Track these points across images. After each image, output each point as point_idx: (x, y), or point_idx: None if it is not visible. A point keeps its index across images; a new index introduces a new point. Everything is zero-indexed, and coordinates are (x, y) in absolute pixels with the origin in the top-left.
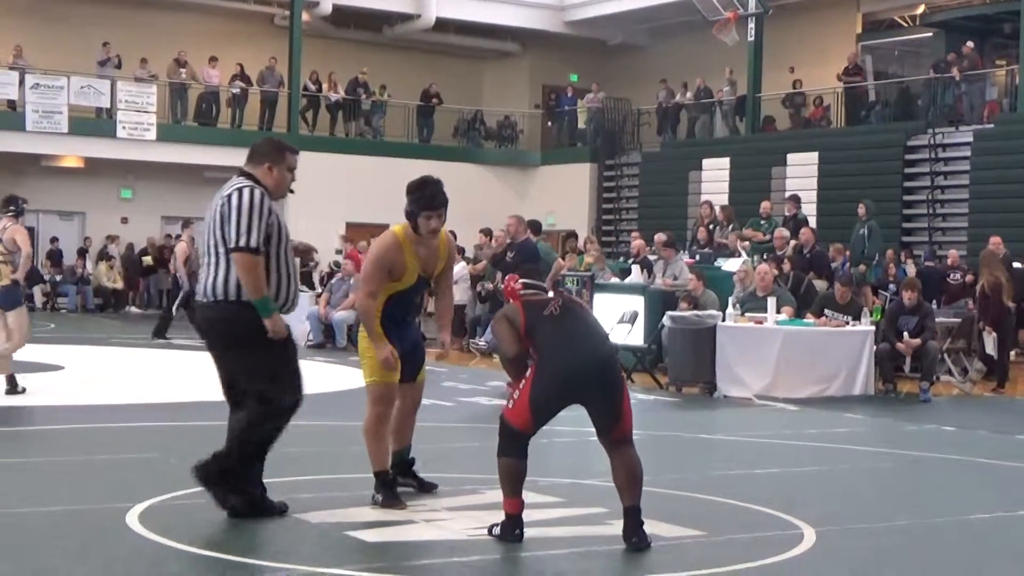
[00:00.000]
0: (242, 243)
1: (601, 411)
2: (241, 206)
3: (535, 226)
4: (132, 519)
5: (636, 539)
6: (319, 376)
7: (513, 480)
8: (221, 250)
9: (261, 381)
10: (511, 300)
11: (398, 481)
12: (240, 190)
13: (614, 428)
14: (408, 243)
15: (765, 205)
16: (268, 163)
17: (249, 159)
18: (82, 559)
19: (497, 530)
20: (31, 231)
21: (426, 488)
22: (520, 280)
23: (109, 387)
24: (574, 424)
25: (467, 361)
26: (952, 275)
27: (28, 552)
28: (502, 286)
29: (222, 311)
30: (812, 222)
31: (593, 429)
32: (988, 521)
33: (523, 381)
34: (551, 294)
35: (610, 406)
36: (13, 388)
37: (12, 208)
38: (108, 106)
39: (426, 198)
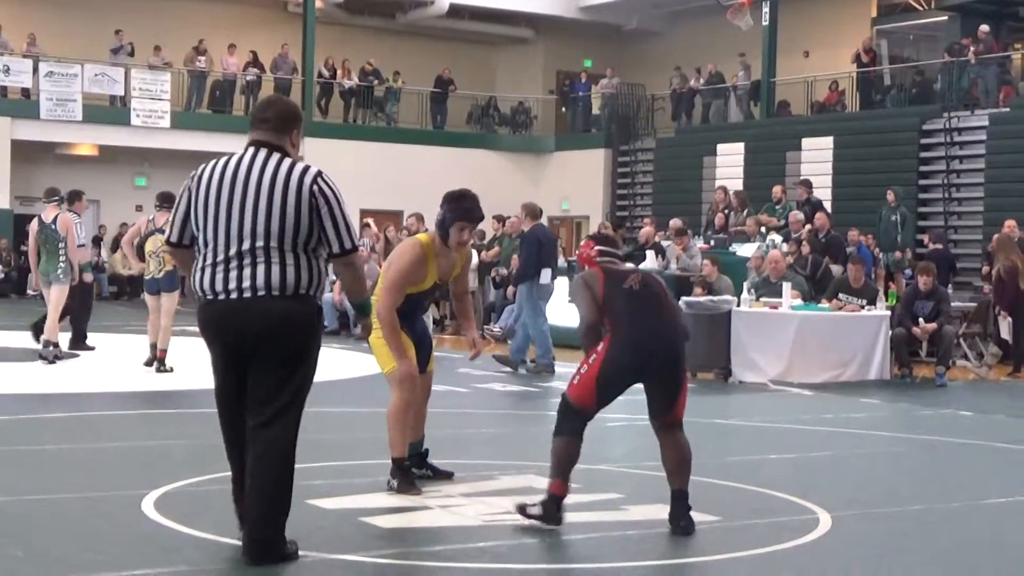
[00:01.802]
0: (354, 243)
1: (662, 393)
2: (340, 199)
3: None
4: (148, 506)
5: (684, 523)
6: (334, 363)
7: (565, 461)
8: (287, 246)
9: (308, 390)
10: (587, 266)
11: (414, 472)
12: (325, 178)
13: (670, 411)
14: (432, 253)
15: (776, 190)
16: (297, 130)
17: (277, 126)
18: (98, 546)
19: (537, 510)
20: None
21: (442, 476)
22: (596, 247)
23: (124, 374)
24: None
25: (483, 347)
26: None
27: (45, 539)
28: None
29: (304, 305)
30: (827, 207)
31: (612, 415)
32: (1005, 505)
33: (592, 355)
34: (628, 265)
35: (672, 388)
36: (162, 365)
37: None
38: (122, 94)
39: (465, 209)
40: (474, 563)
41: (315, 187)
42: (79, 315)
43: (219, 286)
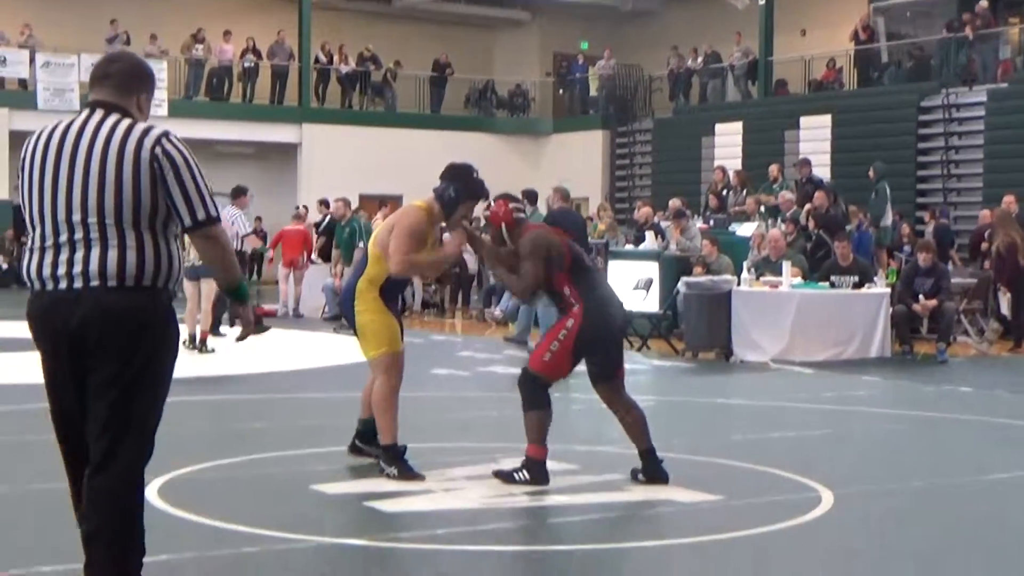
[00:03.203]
0: (213, 212)
1: (618, 355)
2: (191, 162)
3: (531, 196)
4: (151, 493)
5: (663, 473)
6: (334, 349)
7: (544, 429)
8: (127, 223)
9: (158, 414)
10: (505, 224)
11: (362, 450)
12: (171, 139)
13: (618, 372)
14: (430, 221)
15: (773, 169)
16: (146, 93)
17: (121, 83)
18: None
19: (524, 475)
20: None
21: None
22: (511, 205)
23: None
24: (592, 392)
25: (483, 331)
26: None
27: (47, 527)
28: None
29: (149, 300)
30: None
31: None
32: (1007, 481)
33: (562, 331)
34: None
35: (621, 353)
36: (204, 346)
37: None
38: None
39: (478, 185)
40: (477, 545)
41: (158, 150)
42: (217, 305)
43: (47, 272)
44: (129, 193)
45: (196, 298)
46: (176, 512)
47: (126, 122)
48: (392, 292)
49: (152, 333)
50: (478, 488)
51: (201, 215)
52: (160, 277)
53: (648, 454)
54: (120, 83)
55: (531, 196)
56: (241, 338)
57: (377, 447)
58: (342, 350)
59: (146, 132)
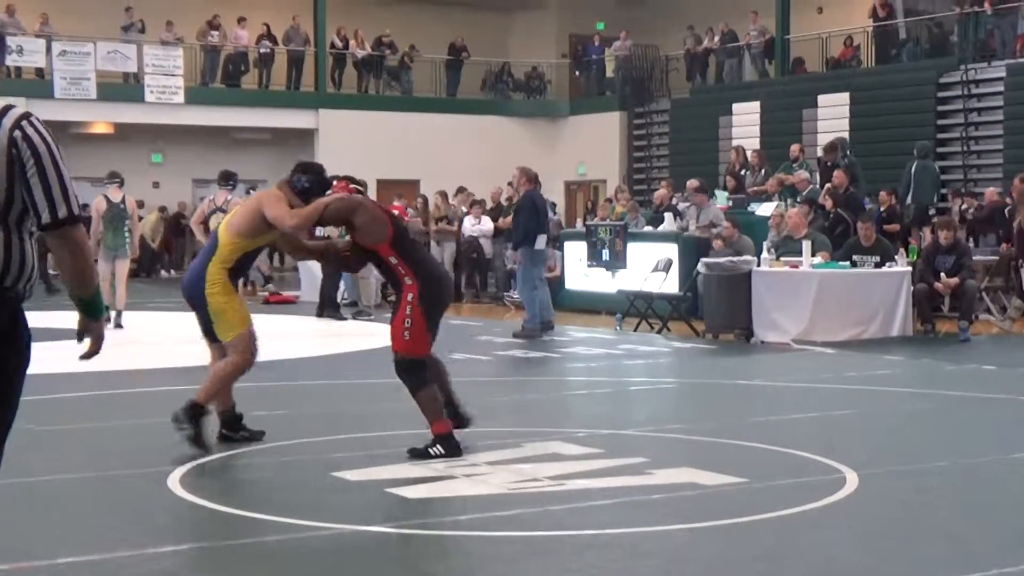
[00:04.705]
0: (76, 210)
1: (440, 318)
2: (54, 151)
3: (531, 176)
4: (173, 482)
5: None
6: (353, 334)
7: (438, 403)
8: None
9: (7, 420)
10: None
11: (232, 436)
12: (34, 122)
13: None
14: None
15: (794, 148)
16: None
17: None
18: (123, 522)
19: (439, 449)
20: None
21: (256, 437)
22: (351, 186)
23: (147, 351)
24: (613, 375)
25: (502, 315)
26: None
27: (72, 516)
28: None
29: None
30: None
31: (635, 379)
32: None
33: (407, 307)
34: None
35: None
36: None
37: (230, 182)
38: (135, 71)
39: (327, 183)
40: (501, 531)
41: (17, 133)
42: (327, 284)
43: None
44: None
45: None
46: (199, 500)
47: None
48: (237, 275)
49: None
50: (500, 474)
51: (63, 212)
52: (9, 276)
53: (461, 414)
54: None
55: (532, 177)
56: (87, 356)
57: (242, 429)
58: (360, 336)
59: (5, 111)
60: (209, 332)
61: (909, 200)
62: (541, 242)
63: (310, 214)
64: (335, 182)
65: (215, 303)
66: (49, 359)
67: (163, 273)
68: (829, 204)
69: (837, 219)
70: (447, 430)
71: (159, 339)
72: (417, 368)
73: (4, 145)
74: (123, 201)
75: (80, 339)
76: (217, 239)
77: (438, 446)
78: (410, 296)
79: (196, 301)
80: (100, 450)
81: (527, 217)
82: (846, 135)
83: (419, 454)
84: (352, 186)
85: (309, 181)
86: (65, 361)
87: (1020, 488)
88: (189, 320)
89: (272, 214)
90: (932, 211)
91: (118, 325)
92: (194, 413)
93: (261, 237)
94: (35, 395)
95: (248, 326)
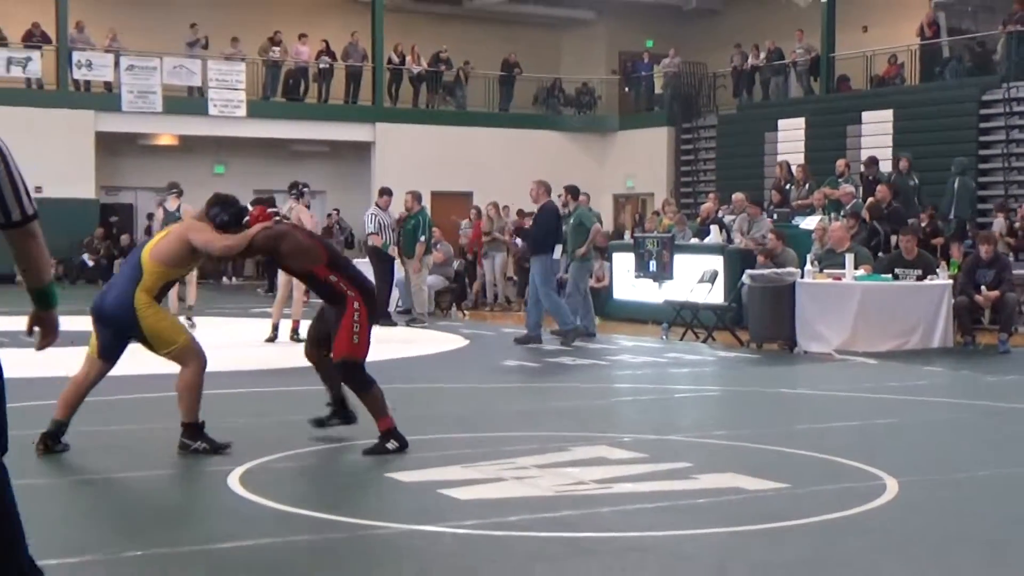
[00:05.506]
0: (34, 208)
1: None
2: (11, 154)
3: (573, 191)
4: (233, 481)
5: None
6: (406, 340)
7: (383, 401)
8: None
9: None
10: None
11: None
12: None
13: None
14: None
15: (840, 163)
16: None
17: None
18: (185, 519)
19: (393, 444)
20: (130, 207)
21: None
22: (269, 211)
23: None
24: (658, 382)
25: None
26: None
27: (135, 514)
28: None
29: None
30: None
31: (679, 386)
32: None
33: (355, 315)
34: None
35: None
36: (296, 334)
37: (295, 191)
38: (199, 85)
39: (242, 213)
40: (548, 532)
41: None
42: (381, 291)
43: None
44: None
45: (287, 286)
46: (257, 499)
47: None
48: (160, 296)
49: None
50: (548, 476)
51: (30, 210)
52: None
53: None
54: None
55: (573, 191)
56: (41, 347)
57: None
58: (415, 342)
59: None
60: (108, 348)
61: (952, 215)
62: (557, 251)
63: (239, 242)
64: (252, 208)
65: (149, 325)
66: (121, 363)
67: (224, 280)
68: (867, 216)
69: (872, 232)
70: (393, 425)
71: (223, 343)
72: (361, 371)
73: None
74: (179, 209)
75: (31, 331)
76: (138, 265)
77: (391, 441)
78: (356, 304)
79: (123, 324)
80: (167, 450)
81: (549, 227)
82: (889, 151)
83: (375, 450)
84: (270, 211)
85: (228, 214)
86: (138, 365)
87: None
88: (253, 325)
89: (201, 240)
90: (968, 226)
91: (190, 320)
92: (193, 432)
93: (184, 267)
94: (108, 396)
95: (183, 336)
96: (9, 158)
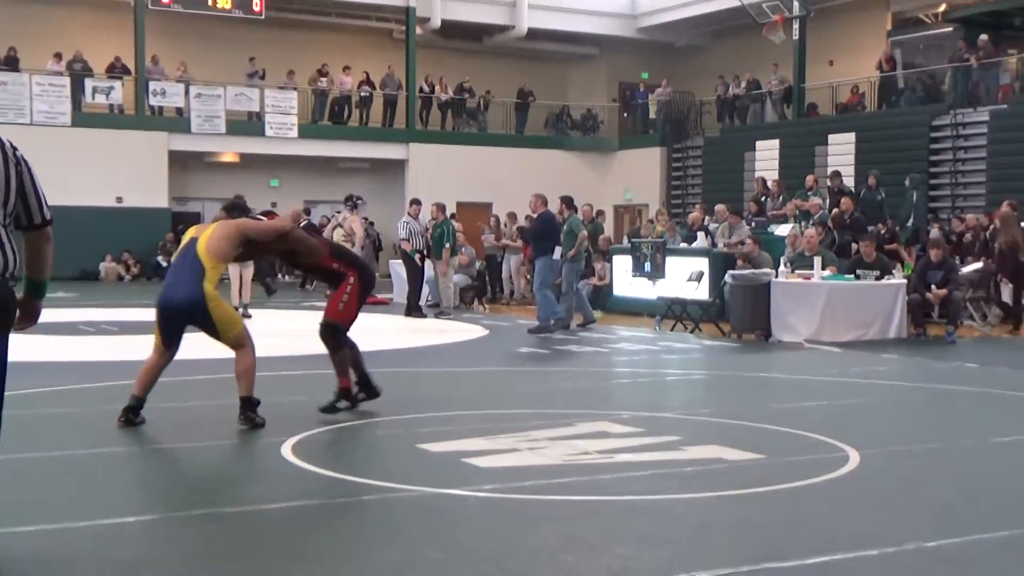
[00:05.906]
0: (49, 215)
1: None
2: (28, 164)
3: (568, 201)
4: (286, 450)
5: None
6: (434, 330)
7: (347, 364)
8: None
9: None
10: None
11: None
12: (15, 144)
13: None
14: None
15: (809, 179)
16: None
17: None
18: (245, 484)
19: (344, 402)
20: (197, 215)
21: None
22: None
23: (269, 343)
24: (652, 367)
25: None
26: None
27: (201, 480)
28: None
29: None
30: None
31: (671, 370)
32: (1008, 444)
33: (347, 287)
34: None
35: None
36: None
37: (350, 203)
38: (258, 110)
39: (249, 210)
40: (557, 496)
41: (19, 153)
42: (413, 289)
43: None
44: (14, 190)
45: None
46: (305, 466)
47: None
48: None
49: None
50: (557, 448)
51: (49, 215)
52: (13, 269)
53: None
54: None
55: (568, 201)
56: (21, 328)
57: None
58: (442, 332)
59: None
60: (172, 337)
61: (911, 223)
62: (556, 253)
63: (284, 223)
64: (264, 217)
65: (219, 314)
66: (183, 350)
67: (278, 277)
68: (831, 224)
69: (833, 239)
70: (349, 385)
71: (278, 333)
72: (340, 334)
73: (13, 163)
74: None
75: (17, 325)
76: (198, 262)
77: (343, 400)
78: (351, 279)
79: (196, 314)
80: (228, 424)
81: (550, 232)
82: (852, 169)
83: (328, 408)
84: (303, 223)
85: (243, 210)
86: (195, 350)
87: (999, 467)
88: (307, 317)
89: (264, 227)
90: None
91: (246, 315)
92: (250, 406)
93: (231, 261)
94: (175, 376)
95: (242, 324)
96: (33, 172)
